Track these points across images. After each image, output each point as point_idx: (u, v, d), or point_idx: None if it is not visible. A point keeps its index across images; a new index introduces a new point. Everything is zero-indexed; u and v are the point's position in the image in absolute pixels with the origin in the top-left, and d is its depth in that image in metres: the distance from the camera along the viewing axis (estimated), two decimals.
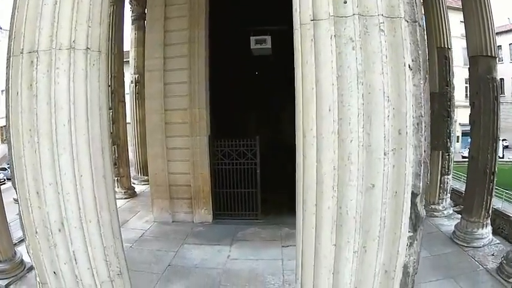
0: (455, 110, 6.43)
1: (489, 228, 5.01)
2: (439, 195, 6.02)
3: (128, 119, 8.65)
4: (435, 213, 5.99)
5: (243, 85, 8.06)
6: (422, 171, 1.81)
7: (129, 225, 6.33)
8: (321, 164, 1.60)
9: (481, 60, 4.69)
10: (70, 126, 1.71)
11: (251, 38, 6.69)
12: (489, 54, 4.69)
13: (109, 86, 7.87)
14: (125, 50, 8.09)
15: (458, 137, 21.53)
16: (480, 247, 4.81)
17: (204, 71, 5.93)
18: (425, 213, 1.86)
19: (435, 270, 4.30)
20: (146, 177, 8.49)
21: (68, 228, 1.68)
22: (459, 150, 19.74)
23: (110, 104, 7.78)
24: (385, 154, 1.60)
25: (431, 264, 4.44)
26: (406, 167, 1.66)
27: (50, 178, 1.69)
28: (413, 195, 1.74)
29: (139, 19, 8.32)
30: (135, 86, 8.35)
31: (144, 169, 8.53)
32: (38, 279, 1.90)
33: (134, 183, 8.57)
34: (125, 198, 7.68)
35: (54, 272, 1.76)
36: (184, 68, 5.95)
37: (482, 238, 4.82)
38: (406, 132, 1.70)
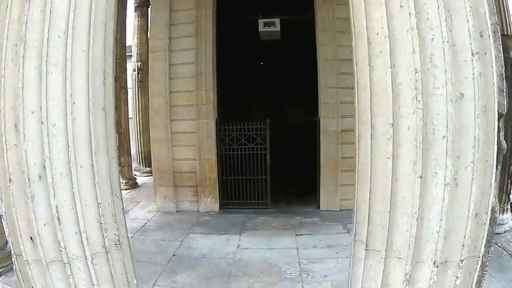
0: None
1: (510, 213, 4.56)
2: None
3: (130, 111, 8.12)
4: None
5: (250, 69, 7.57)
6: (505, 87, 1.37)
7: (130, 215, 5.79)
8: (396, 71, 1.15)
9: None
10: (66, 37, 1.22)
11: (259, 20, 6.22)
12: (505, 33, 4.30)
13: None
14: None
15: None
16: (501, 233, 4.37)
17: (212, 51, 5.47)
18: (505, 146, 1.40)
19: None
20: (148, 169, 7.98)
21: (51, 174, 1.19)
22: None
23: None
24: (472, 55, 1.18)
25: None
26: (493, 75, 1.22)
27: (33, 104, 1.20)
28: (499, 115, 1.29)
29: (143, 6, 7.87)
30: (138, 74, 7.87)
31: (146, 160, 8.01)
32: (12, 250, 1.39)
33: (136, 175, 8.04)
34: (126, 189, 7.15)
35: (31, 238, 1.25)
36: (191, 48, 5.48)
37: (503, 224, 4.37)
38: (488, 35, 1.27)
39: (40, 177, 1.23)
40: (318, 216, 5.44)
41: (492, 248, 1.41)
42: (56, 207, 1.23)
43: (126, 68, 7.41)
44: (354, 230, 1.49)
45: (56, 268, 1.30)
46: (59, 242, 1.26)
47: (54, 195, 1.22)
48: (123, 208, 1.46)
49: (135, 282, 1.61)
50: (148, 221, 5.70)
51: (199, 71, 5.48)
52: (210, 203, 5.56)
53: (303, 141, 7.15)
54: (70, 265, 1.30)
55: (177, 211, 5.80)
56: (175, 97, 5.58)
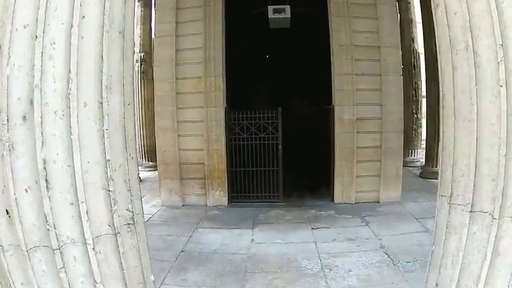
0: None
1: None
2: None
3: None
4: None
5: (258, 58, 7.15)
6: None
7: None
8: None
9: None
10: None
11: (269, 7, 5.80)
12: None
13: None
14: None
15: None
16: None
17: (221, 36, 5.06)
18: None
19: None
20: (151, 163, 7.53)
21: (40, 113, 0.77)
22: None
23: None
24: None
25: None
26: None
27: (27, 16, 0.77)
28: None
29: None
30: (141, 65, 7.43)
31: (149, 154, 7.56)
32: None
33: (139, 170, 7.51)
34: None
35: (6, 212, 0.82)
36: (199, 33, 5.07)
37: None
38: None
39: (25, 118, 0.80)
40: (333, 209, 5.03)
41: None
42: (44, 162, 0.79)
43: None
44: (444, 192, 1.06)
45: (42, 257, 0.85)
46: (46, 218, 0.82)
47: (43, 144, 0.79)
48: (139, 175, 1.03)
49: (152, 279, 1.17)
50: (153, 215, 5.26)
51: (207, 56, 5.07)
52: (219, 196, 5.12)
53: (314, 131, 6.74)
54: (61, 253, 0.86)
55: (183, 205, 5.36)
56: (182, 84, 5.16)
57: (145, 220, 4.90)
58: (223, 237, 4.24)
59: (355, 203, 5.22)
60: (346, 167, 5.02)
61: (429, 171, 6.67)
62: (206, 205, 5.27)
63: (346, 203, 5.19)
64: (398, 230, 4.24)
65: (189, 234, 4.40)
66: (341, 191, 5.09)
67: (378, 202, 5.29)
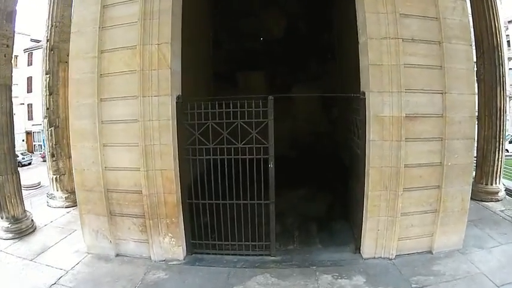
0: None
1: None
2: None
3: None
4: None
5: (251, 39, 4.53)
6: None
7: (47, 257, 3.10)
8: None
9: None
10: None
11: None
12: None
13: (47, 39, 4.35)
14: None
15: None
16: None
17: None
18: None
19: None
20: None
21: None
22: None
23: (47, 66, 4.24)
24: None
25: None
26: None
27: None
28: None
29: None
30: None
31: (68, 180, 4.90)
32: None
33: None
34: (66, 207, 4.17)
35: None
36: None
37: None
38: None
39: None
40: (361, 271, 2.53)
41: None
42: None
43: (70, 35, 4.31)
44: None
45: None
46: None
47: None
48: None
49: None
50: (67, 273, 2.79)
51: (147, 10, 2.42)
52: (169, 245, 2.57)
53: (323, 136, 4.10)
54: None
55: (117, 255, 2.85)
56: (110, 59, 2.60)
57: (52, 283, 2.33)
58: None
59: (396, 256, 2.62)
60: (384, 199, 2.44)
61: (482, 190, 4.06)
62: (150, 258, 2.67)
63: (381, 257, 2.63)
64: None
65: None
66: (374, 238, 2.53)
67: (431, 253, 2.75)
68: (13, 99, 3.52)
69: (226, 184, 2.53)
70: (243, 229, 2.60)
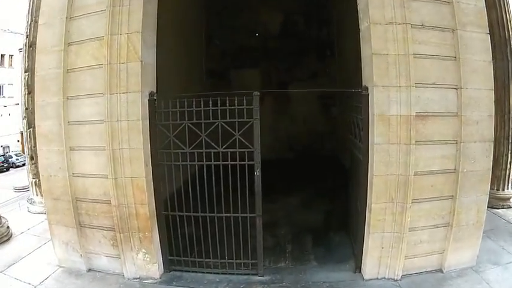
0: None
1: None
2: None
3: None
4: None
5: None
6: None
7: (18, 269, 2.67)
8: None
9: None
10: None
11: None
12: None
13: (27, 35, 3.95)
14: None
15: None
16: None
17: None
18: None
19: None
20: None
21: None
22: None
23: (26, 63, 3.84)
24: None
25: None
26: None
27: None
28: None
29: None
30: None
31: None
32: None
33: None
34: (46, 213, 3.66)
35: None
36: None
37: None
38: None
39: None
40: None
41: None
42: None
43: None
44: None
45: None
46: None
47: None
48: None
49: None
50: None
51: None
52: (143, 262, 2.12)
53: (321, 137, 3.66)
54: None
55: (89, 270, 2.46)
56: (77, 52, 2.19)
57: None
58: None
59: (403, 276, 2.16)
60: (390, 212, 1.97)
61: (493, 195, 3.58)
62: (123, 275, 2.22)
63: (385, 278, 2.19)
64: None
65: None
66: (377, 256, 2.07)
67: (441, 271, 2.30)
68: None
69: (206, 195, 2.09)
70: (225, 245, 2.16)
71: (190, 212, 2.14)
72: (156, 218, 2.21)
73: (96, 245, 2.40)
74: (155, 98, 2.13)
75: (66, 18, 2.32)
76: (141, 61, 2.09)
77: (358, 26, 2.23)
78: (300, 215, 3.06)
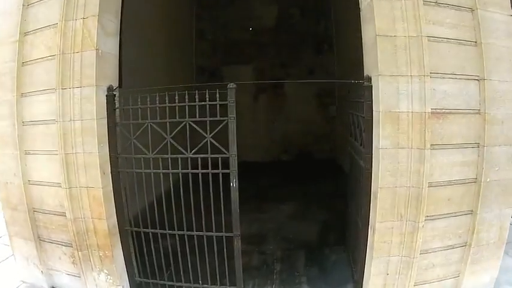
0: None
1: None
2: None
3: None
4: None
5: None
6: None
7: None
8: None
9: None
10: None
11: None
12: None
13: None
14: None
15: None
16: None
17: None
18: None
19: None
20: None
21: None
22: None
23: None
24: None
25: None
26: None
27: None
28: None
29: None
30: None
31: None
32: None
33: None
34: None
35: None
36: None
37: None
38: None
39: None
40: None
41: None
42: None
43: None
44: None
45: None
46: None
47: None
48: None
49: None
50: None
51: None
52: (106, 283, 1.58)
53: (319, 138, 3.09)
54: None
55: (52, 287, 1.79)
56: (32, 43, 1.64)
57: None
58: None
59: None
60: (399, 232, 1.36)
61: None
62: None
63: None
64: None
65: None
66: (382, 284, 1.48)
67: None
68: None
69: (177, 209, 1.55)
70: (198, 267, 1.61)
71: (156, 229, 1.60)
72: (118, 235, 1.69)
73: (57, 262, 1.90)
74: (115, 93, 1.60)
75: (23, 5, 1.83)
76: (96, 49, 1.58)
77: (358, 21, 1.67)
78: (293, 226, 2.49)
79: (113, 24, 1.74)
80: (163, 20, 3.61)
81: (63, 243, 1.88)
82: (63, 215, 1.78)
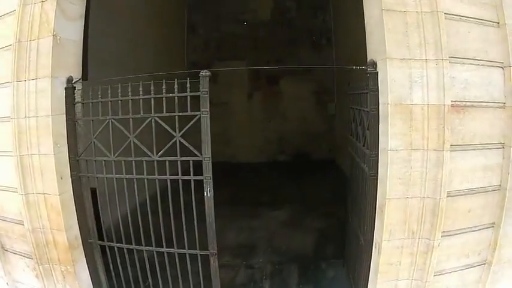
0: None
1: None
2: None
3: None
4: None
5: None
6: None
7: None
8: None
9: None
10: None
11: None
12: None
13: None
14: None
15: None
16: None
17: None
18: None
19: None
20: None
21: None
22: None
23: None
24: None
25: None
26: None
27: None
28: None
29: None
30: None
31: None
32: None
33: None
34: None
35: None
36: None
37: None
38: None
39: None
40: None
41: None
42: None
43: None
44: None
45: None
46: None
47: None
48: None
49: None
50: None
51: None
52: None
53: (318, 138, 2.68)
54: None
55: None
56: None
57: None
58: None
59: None
60: (409, 252, 0.95)
61: None
62: None
63: None
64: None
65: None
66: None
67: None
68: None
69: (143, 221, 1.19)
70: (170, 285, 1.24)
71: (124, 243, 1.25)
72: (82, 248, 1.34)
73: (21, 274, 1.58)
74: (75, 86, 1.26)
75: None
76: (54, 35, 1.24)
77: (360, 9, 1.30)
78: (286, 236, 2.05)
79: (75, 7, 1.41)
80: (151, 11, 3.16)
81: (26, 255, 1.55)
82: (22, 223, 1.47)
